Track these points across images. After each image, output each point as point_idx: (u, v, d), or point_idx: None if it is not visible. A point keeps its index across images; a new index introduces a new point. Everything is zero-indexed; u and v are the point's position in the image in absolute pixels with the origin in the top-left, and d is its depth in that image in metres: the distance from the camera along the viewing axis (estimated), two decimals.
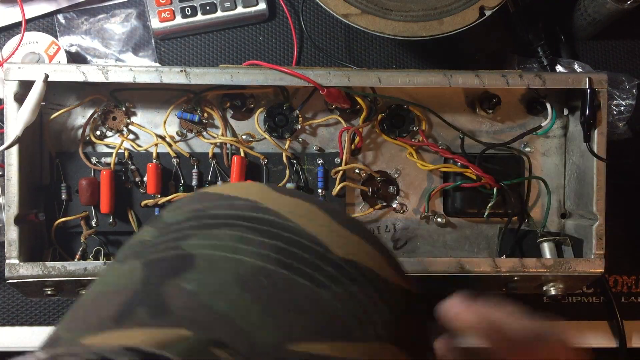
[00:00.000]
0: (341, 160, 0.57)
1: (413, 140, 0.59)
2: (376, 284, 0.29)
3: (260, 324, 0.25)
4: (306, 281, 0.27)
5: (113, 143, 0.56)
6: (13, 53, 0.59)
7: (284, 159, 0.57)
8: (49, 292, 0.52)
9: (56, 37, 0.64)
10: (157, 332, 0.24)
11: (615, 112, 0.66)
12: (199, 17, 0.64)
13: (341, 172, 0.57)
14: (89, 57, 0.64)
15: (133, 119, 0.57)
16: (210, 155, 0.57)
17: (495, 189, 0.57)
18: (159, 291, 0.26)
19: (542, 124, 0.58)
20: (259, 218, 0.30)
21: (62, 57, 0.61)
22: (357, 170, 0.58)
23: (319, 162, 0.58)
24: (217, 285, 0.26)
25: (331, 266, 0.28)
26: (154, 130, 0.57)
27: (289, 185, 0.57)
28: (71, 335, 0.26)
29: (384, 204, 0.59)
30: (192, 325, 0.25)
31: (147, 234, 0.31)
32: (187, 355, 0.23)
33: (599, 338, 0.67)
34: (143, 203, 0.56)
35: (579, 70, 0.67)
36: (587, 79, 0.54)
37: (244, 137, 0.58)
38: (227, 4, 0.64)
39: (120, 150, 0.56)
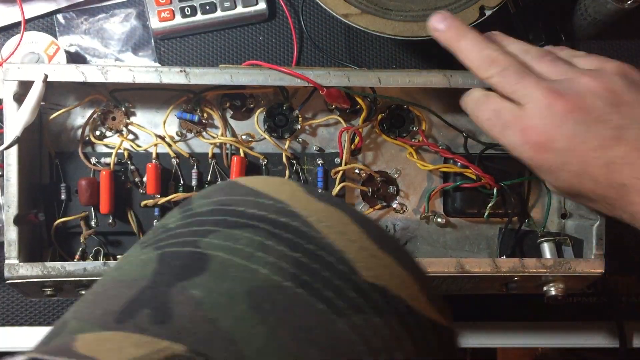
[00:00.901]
0: (341, 160, 0.57)
1: (413, 141, 0.59)
2: (404, 316, 0.26)
3: (263, 350, 0.23)
4: (323, 306, 0.25)
5: (112, 143, 0.56)
6: (12, 53, 0.59)
7: (284, 159, 0.57)
8: (48, 293, 0.52)
9: (55, 37, 0.64)
10: (150, 344, 0.23)
11: None
12: (199, 16, 0.63)
13: (341, 172, 0.57)
14: (88, 57, 0.64)
15: (132, 119, 0.57)
16: (210, 155, 0.57)
17: (495, 189, 0.57)
18: (166, 293, 0.25)
19: None
20: (284, 223, 0.27)
21: (61, 57, 0.61)
22: (357, 171, 0.58)
23: (319, 162, 0.58)
24: (225, 296, 0.25)
25: (355, 291, 0.26)
26: (153, 130, 0.57)
27: None
28: (77, 325, 0.25)
29: (384, 204, 0.59)
30: (189, 339, 0.23)
31: (173, 219, 0.30)
32: None
33: (600, 338, 0.67)
34: (143, 203, 0.56)
35: None
36: None
37: (243, 137, 0.58)
38: (226, 4, 0.64)
39: (119, 151, 0.56)
